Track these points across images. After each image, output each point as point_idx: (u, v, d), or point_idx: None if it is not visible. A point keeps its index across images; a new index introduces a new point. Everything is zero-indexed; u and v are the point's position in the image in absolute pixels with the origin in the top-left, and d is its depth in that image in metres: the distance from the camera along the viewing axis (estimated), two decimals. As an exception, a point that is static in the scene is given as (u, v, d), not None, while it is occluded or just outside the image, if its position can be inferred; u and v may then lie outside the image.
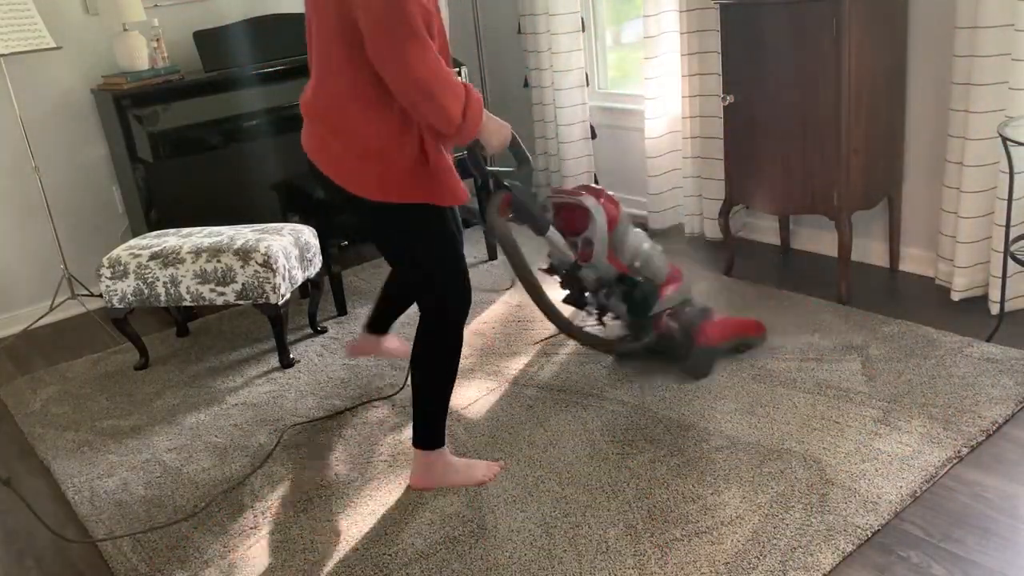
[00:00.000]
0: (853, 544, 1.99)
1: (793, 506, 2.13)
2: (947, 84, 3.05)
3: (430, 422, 2.33)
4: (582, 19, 4.33)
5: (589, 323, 3.07)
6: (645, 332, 2.86)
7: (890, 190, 3.29)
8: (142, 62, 3.76)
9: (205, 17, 4.14)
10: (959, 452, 2.26)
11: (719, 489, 2.23)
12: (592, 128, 4.50)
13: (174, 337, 3.62)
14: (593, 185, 2.93)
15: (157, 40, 3.83)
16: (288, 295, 3.14)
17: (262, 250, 3.04)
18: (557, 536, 2.13)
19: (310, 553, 2.18)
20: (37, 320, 3.92)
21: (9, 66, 3.67)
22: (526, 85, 4.76)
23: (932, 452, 2.27)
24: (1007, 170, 2.70)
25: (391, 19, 1.92)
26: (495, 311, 3.47)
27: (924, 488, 2.16)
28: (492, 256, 4.05)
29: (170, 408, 3.01)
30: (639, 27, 3.92)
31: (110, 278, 3.15)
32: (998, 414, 2.40)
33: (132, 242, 3.27)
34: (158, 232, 3.37)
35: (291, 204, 3.76)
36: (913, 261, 3.40)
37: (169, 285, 3.10)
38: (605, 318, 2.95)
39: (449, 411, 2.76)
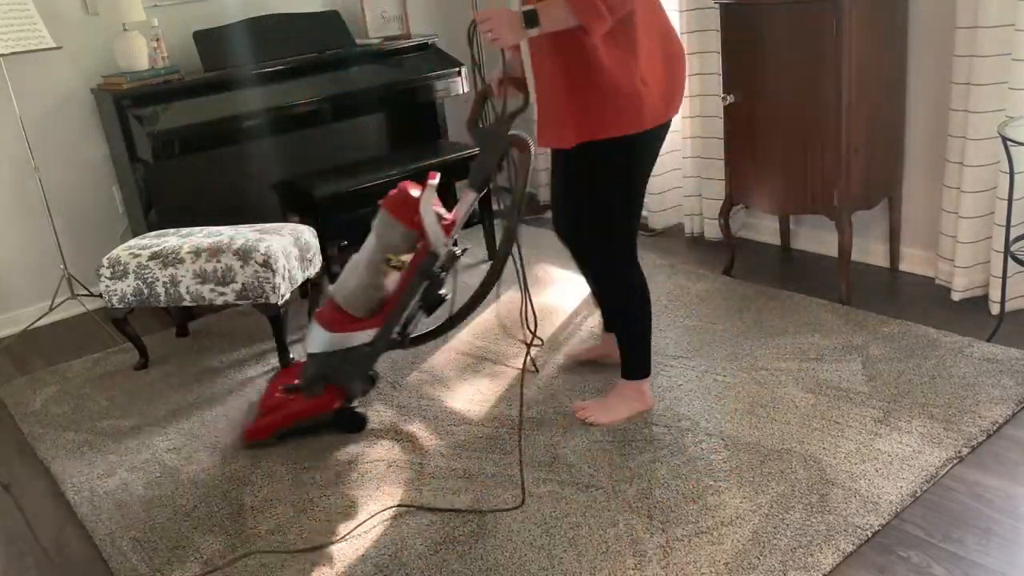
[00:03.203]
0: (853, 544, 1.99)
1: (793, 506, 2.13)
2: (947, 84, 3.05)
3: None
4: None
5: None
6: None
7: (890, 190, 3.29)
8: (142, 62, 3.76)
9: (205, 17, 4.14)
10: (959, 452, 2.26)
11: (719, 489, 2.23)
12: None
13: (174, 337, 3.62)
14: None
15: (157, 40, 3.83)
16: (288, 295, 3.14)
17: (262, 250, 3.04)
18: (557, 536, 2.13)
19: (310, 553, 2.18)
20: (37, 320, 3.92)
21: (9, 66, 3.67)
22: (526, 85, 4.76)
23: (932, 452, 2.27)
24: (1007, 170, 2.70)
25: None
26: (494, 311, 3.46)
27: (924, 488, 2.16)
28: (490, 256, 4.05)
29: (170, 408, 3.01)
30: (639, 27, 3.91)
31: (110, 278, 3.15)
32: (998, 414, 2.40)
33: (132, 242, 3.27)
34: (158, 232, 3.37)
35: (291, 204, 3.76)
36: (913, 261, 3.40)
37: (169, 285, 3.10)
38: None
39: (448, 411, 2.77)
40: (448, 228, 2.59)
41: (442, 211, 2.60)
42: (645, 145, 2.35)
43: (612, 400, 2.62)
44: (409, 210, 2.58)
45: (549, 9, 2.11)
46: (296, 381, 2.76)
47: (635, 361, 2.58)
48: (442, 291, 2.69)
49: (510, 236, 2.50)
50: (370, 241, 2.65)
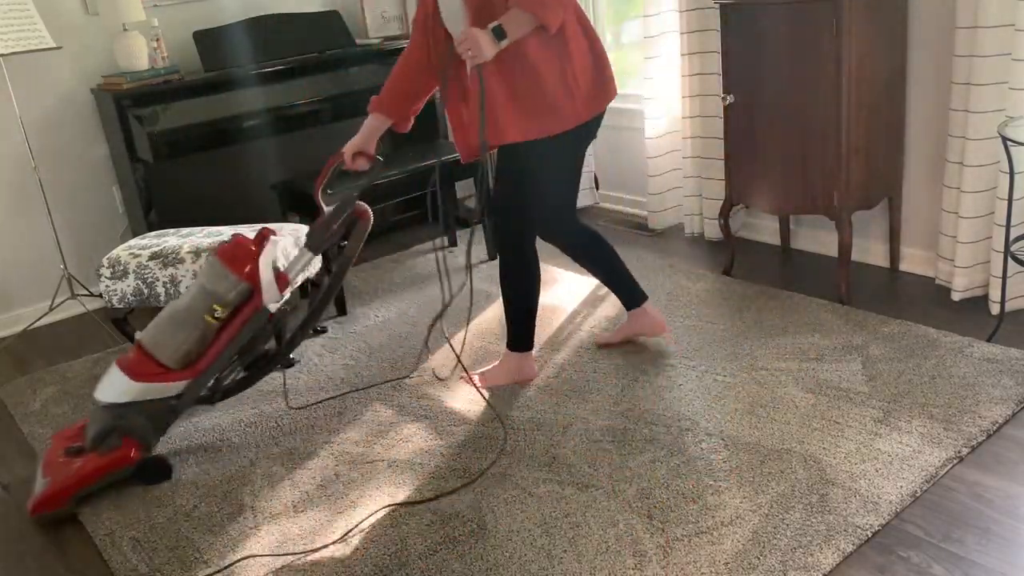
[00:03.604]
0: (853, 544, 1.99)
1: (793, 506, 2.13)
2: (947, 84, 3.05)
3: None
4: (582, 19, 4.33)
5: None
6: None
7: (890, 190, 3.29)
8: (142, 62, 3.76)
9: (205, 17, 4.15)
10: (959, 452, 2.26)
11: (719, 489, 2.23)
12: (592, 128, 4.50)
13: (174, 337, 3.62)
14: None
15: (157, 40, 3.83)
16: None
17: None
18: (557, 536, 2.13)
19: (310, 553, 2.18)
20: (37, 320, 3.92)
21: (9, 66, 3.67)
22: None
23: (932, 452, 2.27)
24: (1007, 170, 2.70)
25: None
26: (493, 312, 3.46)
27: (924, 488, 2.16)
28: (492, 256, 4.05)
29: (170, 408, 3.01)
30: (639, 27, 3.92)
31: (110, 278, 3.15)
32: (998, 414, 2.40)
33: (132, 242, 3.27)
34: (158, 232, 3.37)
35: (291, 204, 3.76)
36: (913, 261, 3.40)
37: (169, 285, 3.10)
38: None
39: (448, 411, 2.77)
40: (282, 284, 2.56)
41: (278, 267, 2.58)
42: (574, 140, 2.58)
43: (496, 368, 2.88)
44: (244, 262, 2.49)
45: (511, 19, 2.32)
46: (78, 443, 2.55)
47: (517, 334, 2.81)
48: (265, 347, 2.63)
49: (335, 283, 2.69)
50: (193, 289, 2.53)
